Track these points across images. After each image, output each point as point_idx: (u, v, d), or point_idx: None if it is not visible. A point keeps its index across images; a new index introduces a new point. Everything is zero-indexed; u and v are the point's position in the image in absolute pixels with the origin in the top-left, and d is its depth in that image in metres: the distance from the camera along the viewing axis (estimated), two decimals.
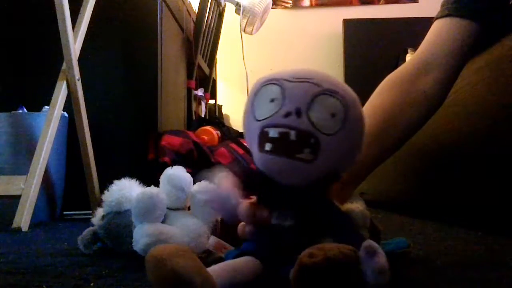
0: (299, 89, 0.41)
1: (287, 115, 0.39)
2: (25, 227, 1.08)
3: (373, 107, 0.66)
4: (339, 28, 2.78)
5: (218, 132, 1.70)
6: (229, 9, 2.35)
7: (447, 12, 0.70)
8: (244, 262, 0.41)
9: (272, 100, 0.41)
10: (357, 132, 0.42)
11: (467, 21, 0.68)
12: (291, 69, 0.44)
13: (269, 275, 0.41)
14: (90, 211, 1.22)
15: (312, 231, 0.41)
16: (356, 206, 0.49)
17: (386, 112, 0.65)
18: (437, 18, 0.72)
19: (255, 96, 0.44)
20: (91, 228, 0.71)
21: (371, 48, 2.68)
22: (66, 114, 1.37)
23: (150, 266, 0.34)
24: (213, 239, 0.60)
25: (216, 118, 2.41)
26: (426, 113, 0.67)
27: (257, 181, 0.44)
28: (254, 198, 0.45)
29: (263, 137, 0.41)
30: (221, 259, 0.59)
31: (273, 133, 0.40)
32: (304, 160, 0.39)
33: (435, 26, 0.71)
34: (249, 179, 0.46)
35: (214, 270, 0.37)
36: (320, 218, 0.42)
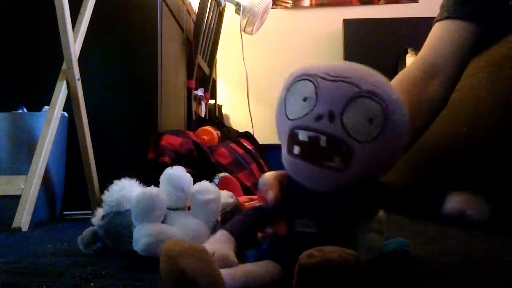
0: (335, 90, 0.37)
1: (319, 118, 0.36)
2: (25, 227, 1.08)
3: None
4: (339, 28, 2.78)
5: (218, 132, 1.70)
6: (229, 9, 2.34)
7: (447, 14, 0.70)
8: (262, 266, 0.39)
9: (305, 99, 0.38)
10: (397, 138, 0.38)
11: (466, 23, 0.68)
12: (330, 63, 0.40)
13: (287, 280, 0.39)
14: (90, 211, 1.21)
15: (336, 239, 0.38)
16: None
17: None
18: (437, 20, 0.72)
19: (287, 92, 0.41)
20: (91, 228, 0.71)
21: (371, 48, 2.68)
22: (66, 114, 1.37)
23: (161, 259, 0.34)
24: None
25: (216, 118, 2.41)
26: (433, 116, 0.68)
27: (284, 185, 0.42)
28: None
29: (293, 139, 0.38)
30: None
31: (302, 136, 0.37)
32: (333, 168, 0.36)
33: (436, 28, 0.71)
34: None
35: (228, 273, 0.36)
36: (344, 226, 0.39)
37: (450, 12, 0.69)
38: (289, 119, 0.39)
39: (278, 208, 0.41)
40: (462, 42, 0.68)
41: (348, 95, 0.36)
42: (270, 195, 0.41)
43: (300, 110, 0.38)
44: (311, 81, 0.38)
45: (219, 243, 0.39)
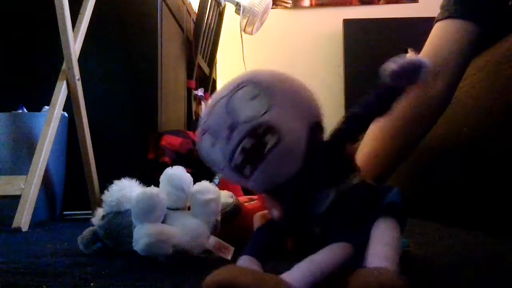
0: (215, 117, 0.41)
1: (228, 138, 0.40)
2: (25, 227, 1.08)
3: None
4: (339, 28, 2.78)
5: None
6: (229, 9, 2.34)
7: (447, 14, 0.70)
8: (325, 254, 0.38)
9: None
10: (290, 102, 0.41)
11: (467, 22, 0.68)
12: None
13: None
14: (90, 211, 1.22)
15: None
16: None
17: (403, 113, 0.66)
18: (437, 20, 0.72)
19: None
20: (91, 228, 0.71)
21: (371, 48, 2.68)
22: (66, 114, 1.37)
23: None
24: (213, 239, 0.60)
25: None
26: (435, 116, 0.69)
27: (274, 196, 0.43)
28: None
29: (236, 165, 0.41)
30: (221, 259, 0.59)
31: (236, 159, 0.40)
32: (272, 147, 0.39)
33: (436, 28, 0.72)
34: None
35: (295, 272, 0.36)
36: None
37: (450, 11, 0.69)
38: None
39: (286, 222, 0.42)
40: (462, 41, 0.68)
41: (224, 116, 0.40)
42: (276, 213, 0.43)
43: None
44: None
45: (251, 266, 0.40)
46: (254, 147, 0.39)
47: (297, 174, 0.40)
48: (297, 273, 0.35)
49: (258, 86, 0.40)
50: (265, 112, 0.39)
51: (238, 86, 0.41)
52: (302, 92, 0.43)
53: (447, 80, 0.68)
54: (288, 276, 0.35)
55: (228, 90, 0.41)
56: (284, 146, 0.39)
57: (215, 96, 0.43)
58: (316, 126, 0.43)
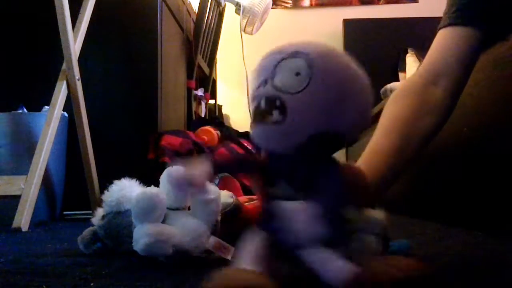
0: (265, 62, 0.45)
1: (258, 87, 0.43)
2: (25, 227, 1.08)
3: (389, 119, 0.67)
4: (339, 28, 2.78)
5: (218, 132, 1.70)
6: (229, 9, 2.34)
7: (449, 21, 0.70)
8: None
9: (254, 78, 0.46)
10: (327, 87, 0.41)
11: (469, 29, 0.68)
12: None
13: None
14: (90, 211, 1.22)
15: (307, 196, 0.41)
16: (376, 213, 0.50)
17: (403, 122, 0.66)
18: (440, 28, 0.72)
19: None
20: (91, 228, 0.71)
21: (371, 48, 2.68)
22: (66, 114, 1.37)
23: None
24: (213, 239, 0.60)
25: (216, 118, 2.41)
26: (441, 121, 0.68)
27: (252, 159, 0.47)
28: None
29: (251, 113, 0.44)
30: (221, 259, 0.59)
31: (251, 106, 0.44)
32: (275, 122, 0.40)
33: (439, 36, 0.72)
34: (245, 161, 0.48)
35: None
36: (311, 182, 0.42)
37: (451, 18, 0.70)
38: None
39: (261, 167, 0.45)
40: (464, 48, 0.68)
41: (274, 61, 0.43)
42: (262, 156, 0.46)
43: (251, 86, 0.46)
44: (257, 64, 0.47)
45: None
46: (264, 112, 0.41)
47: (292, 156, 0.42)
48: None
49: (309, 67, 0.41)
50: (295, 92, 0.40)
51: (297, 54, 0.42)
52: (339, 86, 0.42)
53: (447, 88, 0.68)
54: None
55: (288, 51, 0.43)
56: (280, 129, 0.41)
57: (277, 49, 0.45)
58: (327, 138, 0.42)
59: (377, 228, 0.50)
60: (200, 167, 0.44)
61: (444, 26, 0.71)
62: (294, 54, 0.42)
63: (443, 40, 0.71)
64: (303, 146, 0.41)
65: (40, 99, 1.36)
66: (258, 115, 0.42)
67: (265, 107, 0.41)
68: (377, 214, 0.51)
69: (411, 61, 2.47)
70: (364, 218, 0.50)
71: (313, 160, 0.42)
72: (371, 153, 0.65)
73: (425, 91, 0.68)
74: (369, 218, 0.50)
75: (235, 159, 0.50)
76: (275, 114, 0.40)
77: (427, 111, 0.67)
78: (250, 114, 0.45)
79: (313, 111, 0.40)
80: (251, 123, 0.44)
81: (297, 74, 0.41)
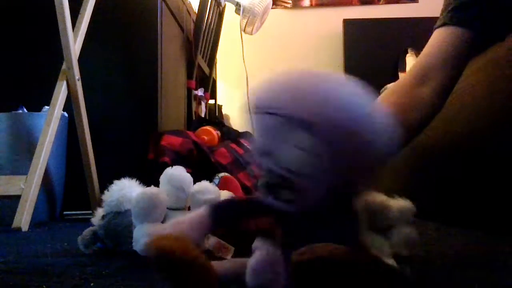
0: (262, 125, 0.37)
1: (260, 154, 0.38)
2: (25, 227, 1.08)
3: None
4: (339, 28, 2.78)
5: (218, 132, 1.70)
6: (229, 9, 2.34)
7: (443, 21, 0.71)
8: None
9: (255, 137, 0.39)
10: (342, 152, 0.35)
11: (461, 29, 0.69)
12: (265, 85, 0.39)
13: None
14: (90, 211, 1.22)
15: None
16: (395, 202, 0.50)
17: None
18: (435, 28, 0.73)
19: None
20: (91, 228, 0.71)
21: (371, 48, 2.68)
22: (66, 114, 1.37)
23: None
24: (213, 239, 0.60)
25: (216, 118, 2.41)
26: (425, 118, 0.69)
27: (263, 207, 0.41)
28: None
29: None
30: (221, 259, 0.59)
31: (257, 170, 0.40)
32: (286, 200, 0.37)
33: (434, 36, 0.73)
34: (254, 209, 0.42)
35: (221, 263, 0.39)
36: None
37: (446, 19, 0.71)
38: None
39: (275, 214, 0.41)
40: (455, 48, 0.69)
41: (273, 131, 0.36)
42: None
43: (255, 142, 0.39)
44: (250, 115, 0.39)
45: (185, 228, 0.40)
46: (270, 185, 0.38)
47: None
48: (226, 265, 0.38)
49: (316, 143, 0.34)
50: (304, 174, 0.35)
51: (301, 123, 0.35)
52: (361, 154, 0.36)
53: (434, 88, 0.69)
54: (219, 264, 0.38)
55: (288, 113, 0.35)
56: (295, 204, 0.37)
57: (275, 102, 0.37)
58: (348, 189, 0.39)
59: (410, 216, 0.50)
60: (195, 224, 0.40)
61: (439, 26, 0.72)
62: (299, 123, 0.35)
63: (436, 40, 0.72)
64: (317, 206, 0.38)
65: (40, 99, 1.35)
66: (268, 190, 0.38)
67: (274, 187, 0.37)
68: (404, 202, 0.51)
69: (411, 61, 2.47)
70: (397, 208, 0.49)
71: (330, 214, 0.38)
72: None
73: (412, 90, 0.69)
74: (402, 207, 0.50)
75: (242, 206, 0.44)
76: (286, 194, 0.37)
77: (412, 107, 0.68)
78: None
79: (324, 183, 0.36)
80: (259, 188, 0.40)
81: (302, 149, 0.35)
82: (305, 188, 0.36)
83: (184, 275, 0.34)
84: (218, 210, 0.42)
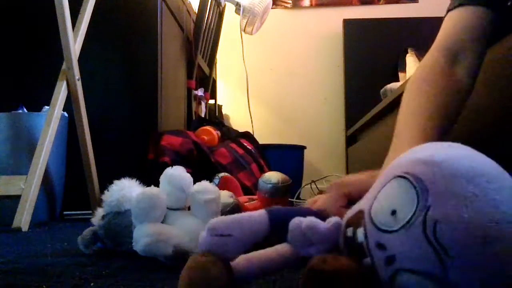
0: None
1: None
2: (25, 227, 1.08)
3: (419, 105, 0.65)
4: (339, 28, 2.78)
5: (218, 132, 1.70)
6: (229, 9, 2.34)
7: (459, 2, 0.70)
8: (275, 249, 0.42)
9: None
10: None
11: (481, 9, 0.68)
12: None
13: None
14: (90, 211, 1.22)
15: None
16: None
17: (435, 104, 0.64)
18: (449, 10, 0.72)
19: None
20: (91, 228, 0.71)
21: (371, 48, 2.68)
22: (66, 114, 1.37)
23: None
24: None
25: (216, 118, 2.41)
26: (463, 103, 0.68)
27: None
28: None
29: None
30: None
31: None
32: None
33: (451, 17, 0.71)
34: None
35: (244, 257, 0.40)
36: None
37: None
38: None
39: None
40: (477, 28, 0.68)
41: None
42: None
43: None
44: None
45: None
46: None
47: None
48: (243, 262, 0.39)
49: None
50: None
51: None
52: None
53: (466, 67, 0.68)
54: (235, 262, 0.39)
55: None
56: None
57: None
58: None
59: None
60: None
61: (455, 7, 0.71)
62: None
63: (455, 21, 0.70)
64: None
65: (40, 99, 1.36)
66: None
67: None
68: None
69: (411, 61, 2.47)
70: None
71: None
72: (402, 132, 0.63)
73: (450, 73, 0.68)
74: None
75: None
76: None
77: (453, 89, 0.66)
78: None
79: None
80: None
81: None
82: None
83: None
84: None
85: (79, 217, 1.39)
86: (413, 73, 0.71)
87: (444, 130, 0.64)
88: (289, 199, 1.23)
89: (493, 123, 0.82)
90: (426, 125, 0.62)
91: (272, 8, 2.42)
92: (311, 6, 2.88)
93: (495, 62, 0.81)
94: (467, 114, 0.90)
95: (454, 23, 0.71)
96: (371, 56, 2.66)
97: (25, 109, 1.34)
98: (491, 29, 0.69)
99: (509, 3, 0.69)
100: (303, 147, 2.34)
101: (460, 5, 0.70)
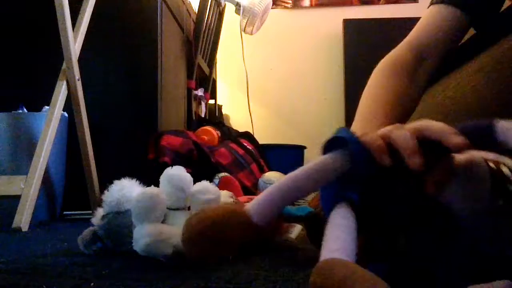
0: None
1: None
2: (25, 227, 1.08)
3: (375, 95, 0.65)
4: (339, 28, 2.78)
5: (218, 132, 1.70)
6: (229, 9, 2.35)
7: None
8: None
9: None
10: None
11: (459, 11, 0.68)
12: None
13: None
14: (90, 211, 1.22)
15: None
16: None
17: (387, 101, 0.65)
18: (431, 3, 0.72)
19: None
20: (91, 228, 0.71)
21: (371, 48, 2.67)
22: (66, 114, 1.37)
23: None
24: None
25: (216, 118, 2.41)
26: (416, 104, 0.68)
27: None
28: None
29: None
30: (220, 259, 0.59)
31: None
32: None
33: (430, 11, 0.72)
34: None
35: None
36: None
37: None
38: None
39: None
40: (451, 29, 0.68)
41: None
42: None
43: None
44: None
45: None
46: None
47: None
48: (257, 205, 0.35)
49: None
50: None
51: None
52: None
53: (431, 69, 0.68)
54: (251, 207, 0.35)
55: None
56: None
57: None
58: None
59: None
60: None
61: (435, 3, 0.71)
62: None
63: (433, 17, 0.70)
64: None
65: (40, 99, 1.35)
66: None
67: None
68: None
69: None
70: None
71: None
72: (362, 120, 0.63)
73: (411, 72, 0.68)
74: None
75: None
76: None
77: (410, 93, 0.66)
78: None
79: None
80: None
81: None
82: None
83: None
84: None
85: (79, 217, 1.38)
86: (380, 62, 0.72)
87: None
88: None
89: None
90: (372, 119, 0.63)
91: (272, 8, 2.42)
92: (311, 6, 2.88)
93: (496, 62, 0.81)
94: (468, 114, 0.90)
95: (431, 20, 0.71)
96: (371, 56, 2.65)
97: (25, 109, 1.34)
98: (463, 33, 0.69)
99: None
100: (303, 147, 2.34)
101: (442, 1, 0.70)
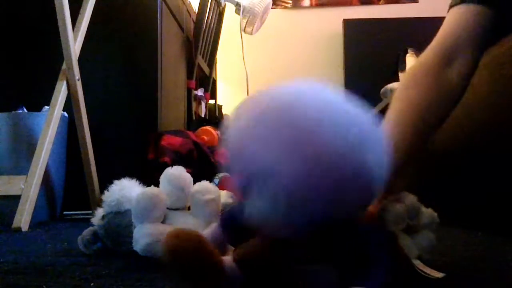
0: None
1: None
2: (25, 227, 1.08)
3: (404, 102, 0.65)
4: (339, 28, 2.78)
5: (218, 132, 1.70)
6: (229, 9, 2.34)
7: None
8: None
9: None
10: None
11: (481, 7, 0.67)
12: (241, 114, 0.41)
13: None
14: (90, 211, 1.22)
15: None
16: (398, 205, 0.50)
17: (418, 107, 0.64)
18: (451, 6, 0.71)
19: None
20: (91, 228, 0.71)
21: (371, 48, 2.67)
22: (66, 114, 1.37)
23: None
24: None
25: (216, 118, 2.41)
26: (453, 104, 0.68)
27: None
28: None
29: None
30: None
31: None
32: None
33: (451, 14, 0.71)
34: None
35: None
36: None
37: None
38: None
39: None
40: (477, 27, 0.67)
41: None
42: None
43: None
44: None
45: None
46: None
47: None
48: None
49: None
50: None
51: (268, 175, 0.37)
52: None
53: (460, 71, 0.67)
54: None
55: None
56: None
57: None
58: None
59: (434, 225, 0.54)
60: None
61: (456, 4, 0.70)
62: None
63: (455, 19, 0.70)
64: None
65: (40, 99, 1.36)
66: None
67: None
68: (399, 205, 0.52)
69: (411, 61, 2.47)
70: (428, 215, 0.53)
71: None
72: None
73: (441, 75, 0.67)
74: (431, 215, 0.54)
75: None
76: None
77: (441, 93, 0.66)
78: None
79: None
80: None
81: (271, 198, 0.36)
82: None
83: (196, 273, 0.35)
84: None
85: (79, 217, 1.38)
86: (408, 69, 0.72)
87: (429, 126, 0.65)
88: None
89: (495, 123, 0.82)
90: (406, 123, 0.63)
91: (272, 8, 2.42)
92: (311, 6, 2.88)
93: (497, 61, 0.81)
94: (469, 114, 0.90)
95: (453, 22, 0.70)
96: (371, 56, 2.66)
97: (25, 109, 1.34)
98: (492, 29, 0.69)
99: None
100: None
101: (462, 2, 0.69)
